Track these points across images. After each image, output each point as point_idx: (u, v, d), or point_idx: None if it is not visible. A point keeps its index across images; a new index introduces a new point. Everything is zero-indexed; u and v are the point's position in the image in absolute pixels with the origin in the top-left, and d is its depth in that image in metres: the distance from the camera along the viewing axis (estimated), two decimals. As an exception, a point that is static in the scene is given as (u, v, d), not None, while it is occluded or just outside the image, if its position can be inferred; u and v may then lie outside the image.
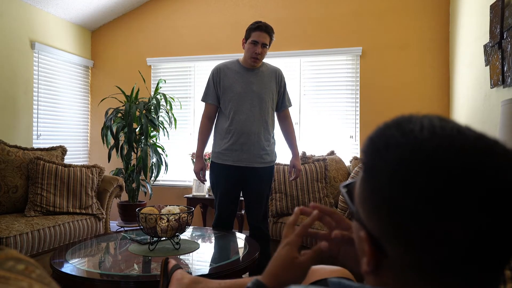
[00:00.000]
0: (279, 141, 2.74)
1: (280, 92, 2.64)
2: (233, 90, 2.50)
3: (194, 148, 4.31)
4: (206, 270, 1.81)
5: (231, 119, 2.49)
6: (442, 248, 0.39)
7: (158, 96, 4.14)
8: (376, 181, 0.43)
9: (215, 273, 1.76)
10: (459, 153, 0.39)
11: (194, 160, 2.72)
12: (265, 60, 2.72)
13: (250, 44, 2.48)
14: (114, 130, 4.00)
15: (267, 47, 2.50)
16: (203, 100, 2.63)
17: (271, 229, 3.00)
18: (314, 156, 3.32)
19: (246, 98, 2.49)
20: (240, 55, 4.32)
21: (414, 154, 0.40)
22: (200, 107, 4.40)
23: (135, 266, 1.88)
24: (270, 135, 2.56)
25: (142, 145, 4.02)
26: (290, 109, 2.76)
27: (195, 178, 2.69)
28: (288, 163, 2.80)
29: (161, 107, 4.14)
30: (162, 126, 4.13)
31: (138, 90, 4.21)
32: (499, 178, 0.38)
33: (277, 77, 2.61)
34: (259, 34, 2.45)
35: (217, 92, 2.56)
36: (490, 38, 2.45)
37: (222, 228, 2.57)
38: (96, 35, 4.75)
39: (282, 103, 2.66)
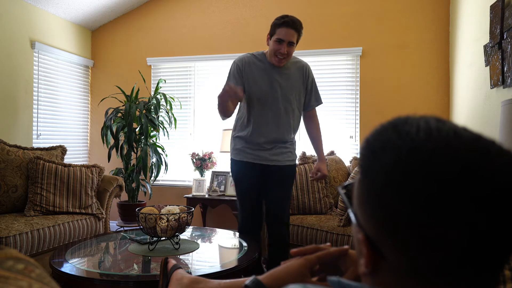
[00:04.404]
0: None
1: (308, 90, 2.42)
2: (257, 89, 2.31)
3: (194, 148, 4.32)
4: (205, 270, 1.81)
5: (252, 119, 2.32)
6: (438, 251, 0.39)
7: (158, 96, 4.14)
8: (373, 184, 0.43)
9: (214, 273, 1.76)
10: (455, 155, 0.39)
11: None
12: None
13: (274, 42, 2.21)
14: (114, 130, 4.00)
15: (295, 45, 2.24)
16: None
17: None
18: (314, 156, 3.32)
19: (269, 97, 2.29)
20: (237, 55, 4.32)
21: (410, 157, 0.40)
22: (200, 107, 4.40)
23: (135, 266, 1.88)
24: (291, 136, 2.39)
25: (142, 145, 4.02)
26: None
27: (223, 94, 2.14)
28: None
29: (161, 107, 4.14)
30: (162, 126, 4.13)
31: (138, 90, 4.21)
32: (496, 179, 0.38)
33: (305, 74, 2.39)
34: (286, 31, 2.18)
35: (241, 83, 2.32)
36: (490, 38, 2.45)
37: (249, 234, 2.38)
38: (96, 35, 4.75)
39: (308, 102, 2.44)
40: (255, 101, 2.31)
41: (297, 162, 2.60)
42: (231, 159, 2.43)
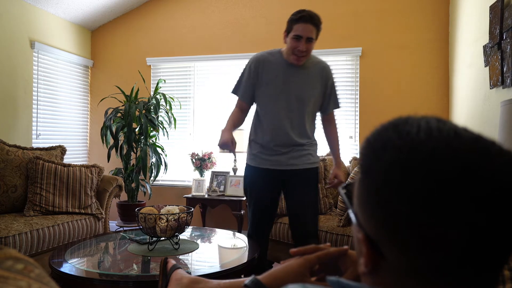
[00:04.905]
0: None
1: (327, 93, 2.24)
2: (270, 89, 2.15)
3: (193, 148, 4.32)
4: (205, 270, 1.81)
5: (265, 121, 2.18)
6: (438, 251, 0.39)
7: (158, 96, 4.14)
8: (373, 183, 0.43)
9: (214, 273, 1.76)
10: (455, 155, 0.39)
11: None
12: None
13: (292, 39, 2.05)
14: (114, 130, 4.00)
15: (314, 41, 2.09)
16: (233, 92, 2.28)
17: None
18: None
19: (283, 99, 2.14)
20: (238, 55, 4.34)
21: (410, 156, 0.40)
22: (199, 107, 4.40)
23: (134, 266, 1.88)
24: (307, 139, 2.22)
25: (142, 145, 4.02)
26: None
27: (222, 150, 2.15)
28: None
29: (160, 107, 4.14)
30: (161, 126, 4.13)
31: (138, 90, 4.21)
32: (496, 178, 0.38)
33: (325, 76, 2.21)
34: (304, 27, 2.03)
35: (251, 87, 2.20)
36: (489, 38, 2.46)
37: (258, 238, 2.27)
38: (96, 35, 4.75)
39: (327, 106, 2.27)
40: (269, 103, 2.17)
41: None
42: (246, 164, 2.29)
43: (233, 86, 2.31)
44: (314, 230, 2.19)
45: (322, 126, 2.37)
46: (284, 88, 2.14)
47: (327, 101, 2.27)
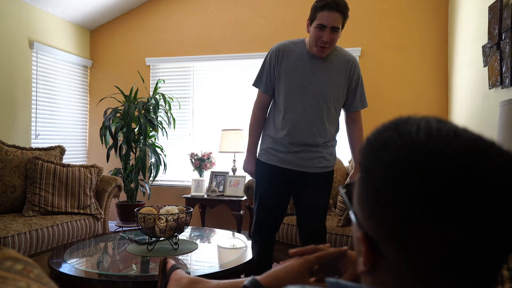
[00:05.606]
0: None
1: (350, 89, 2.07)
2: (289, 81, 2.00)
3: (193, 148, 4.32)
4: (204, 270, 1.81)
5: (282, 116, 2.02)
6: (436, 250, 0.39)
7: (157, 96, 4.13)
8: (372, 182, 0.43)
9: (213, 273, 1.76)
10: (455, 155, 0.39)
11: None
12: None
13: (315, 29, 1.88)
14: (113, 130, 4.00)
15: (339, 30, 1.90)
16: (254, 84, 2.13)
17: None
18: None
19: (302, 93, 1.98)
20: (237, 55, 4.34)
21: (410, 156, 0.40)
22: (199, 107, 4.40)
23: (134, 266, 1.88)
24: (324, 139, 2.05)
25: (141, 145, 4.02)
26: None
27: (244, 172, 2.20)
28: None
29: (160, 107, 4.14)
30: (161, 126, 4.13)
31: (137, 90, 4.21)
32: (496, 179, 0.38)
33: (350, 70, 2.03)
34: (328, 15, 1.84)
35: (271, 79, 2.06)
36: (488, 39, 2.46)
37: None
38: (95, 35, 4.74)
39: (351, 104, 2.11)
40: (286, 96, 2.01)
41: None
42: (257, 159, 2.16)
43: (254, 79, 2.16)
44: (321, 233, 2.12)
45: (345, 126, 2.22)
46: (304, 81, 1.98)
47: (352, 97, 2.09)
